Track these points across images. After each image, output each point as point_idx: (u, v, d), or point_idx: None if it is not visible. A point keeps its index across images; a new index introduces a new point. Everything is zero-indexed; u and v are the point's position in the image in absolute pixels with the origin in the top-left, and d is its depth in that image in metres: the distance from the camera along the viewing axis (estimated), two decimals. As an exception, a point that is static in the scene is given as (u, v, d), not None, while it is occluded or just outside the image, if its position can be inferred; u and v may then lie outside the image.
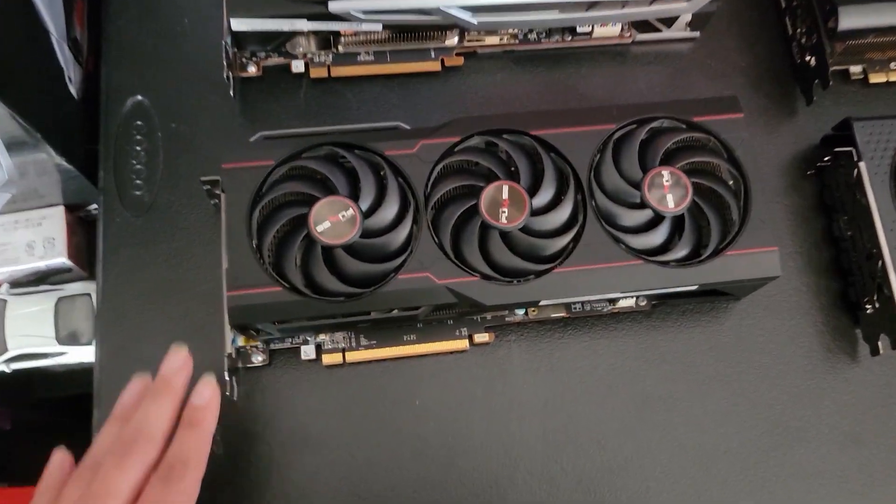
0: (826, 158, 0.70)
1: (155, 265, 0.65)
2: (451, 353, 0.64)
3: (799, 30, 0.73)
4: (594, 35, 0.72)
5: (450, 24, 0.68)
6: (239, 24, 0.64)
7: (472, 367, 0.65)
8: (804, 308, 0.70)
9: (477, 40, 0.73)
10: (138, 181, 0.68)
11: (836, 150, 0.68)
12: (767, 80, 0.75)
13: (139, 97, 0.70)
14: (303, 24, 0.65)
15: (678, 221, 0.61)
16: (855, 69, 0.74)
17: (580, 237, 0.60)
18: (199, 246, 0.66)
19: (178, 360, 0.53)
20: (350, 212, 0.57)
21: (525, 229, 0.60)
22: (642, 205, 0.60)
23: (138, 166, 0.68)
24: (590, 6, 0.65)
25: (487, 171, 0.61)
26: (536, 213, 0.60)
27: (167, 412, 0.50)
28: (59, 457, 0.51)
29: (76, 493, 0.46)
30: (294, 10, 0.63)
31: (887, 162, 0.64)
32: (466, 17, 0.65)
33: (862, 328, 0.67)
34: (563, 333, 0.66)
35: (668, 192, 0.59)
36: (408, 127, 0.64)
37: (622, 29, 0.72)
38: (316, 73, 0.72)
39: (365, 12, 0.63)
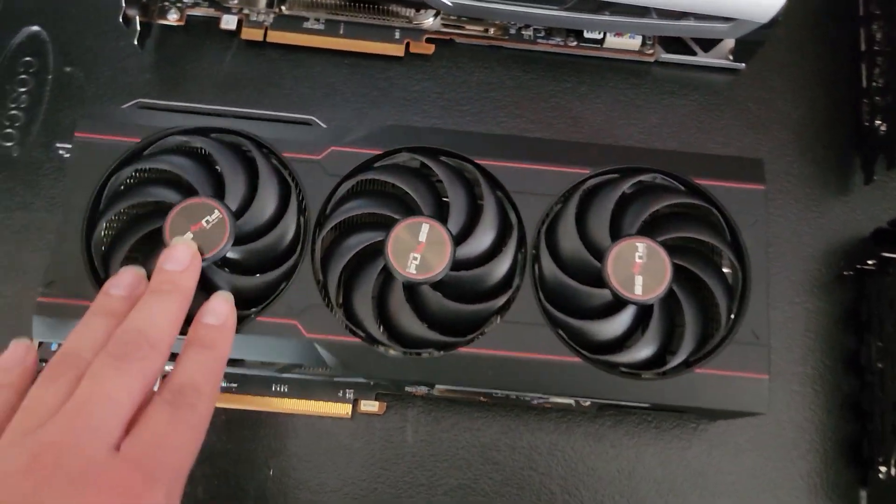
0: (871, 262, 0.58)
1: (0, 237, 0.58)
2: (331, 417, 0.55)
3: (875, 83, 0.60)
4: (606, 44, 0.62)
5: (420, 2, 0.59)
6: None
7: (355, 439, 0.55)
8: (800, 450, 0.56)
9: (455, 26, 0.61)
10: (9, 129, 0.60)
11: (887, 254, 0.56)
12: (820, 139, 0.62)
13: (35, 27, 0.63)
14: None
15: (644, 312, 0.50)
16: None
17: (508, 308, 0.49)
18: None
19: (185, 254, 0.45)
20: (216, 215, 0.48)
21: (439, 286, 0.49)
22: (600, 282, 0.49)
23: (14, 111, 0.61)
24: (602, 6, 0.56)
25: (409, 201, 0.52)
26: (459, 266, 0.49)
27: (173, 318, 0.43)
28: (23, 346, 0.43)
29: (53, 394, 0.39)
30: None
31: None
32: None
33: (869, 494, 0.54)
34: (476, 417, 0.56)
35: (639, 273, 0.49)
36: (323, 125, 0.54)
37: (644, 42, 0.62)
38: (249, 34, 0.61)
39: None
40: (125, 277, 0.45)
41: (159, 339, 0.41)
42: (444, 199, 0.51)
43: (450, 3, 0.56)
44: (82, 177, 0.50)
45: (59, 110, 0.61)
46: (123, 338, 0.40)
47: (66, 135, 0.60)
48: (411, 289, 0.49)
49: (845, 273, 0.60)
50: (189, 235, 0.47)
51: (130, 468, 0.36)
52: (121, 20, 0.57)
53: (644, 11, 0.55)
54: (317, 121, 0.54)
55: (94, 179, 0.50)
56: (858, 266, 0.59)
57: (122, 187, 0.51)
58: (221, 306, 0.45)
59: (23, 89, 0.61)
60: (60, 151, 0.53)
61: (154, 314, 0.42)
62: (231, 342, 0.45)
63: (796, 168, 0.61)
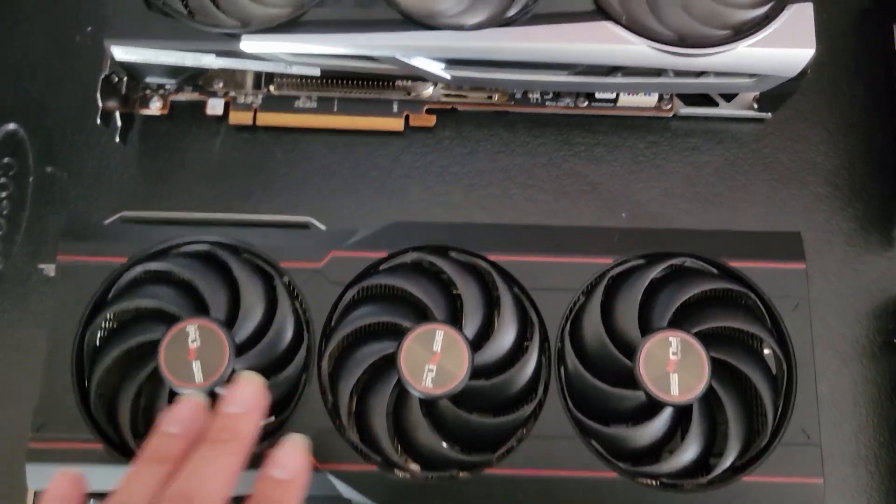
0: None
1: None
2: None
3: None
4: (620, 103, 0.59)
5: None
6: (124, 54, 0.54)
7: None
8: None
9: (457, 94, 0.59)
10: (-9, 239, 0.59)
11: None
12: (859, 191, 0.60)
13: (12, 126, 0.61)
14: (210, 61, 0.55)
15: (682, 413, 0.48)
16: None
17: (534, 419, 0.47)
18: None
19: (247, 393, 0.42)
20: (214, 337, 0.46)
21: (458, 398, 0.46)
22: (632, 382, 0.46)
23: (-4, 219, 0.60)
24: (613, 68, 0.54)
25: (420, 304, 0.49)
26: (478, 374, 0.47)
27: (229, 475, 0.39)
28: (68, 477, 0.41)
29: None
30: (197, 44, 0.53)
31: None
32: (437, 70, 0.54)
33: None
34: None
35: (674, 370, 0.46)
36: (322, 227, 0.52)
37: (661, 98, 0.59)
38: (238, 118, 0.59)
39: (293, 54, 0.53)
40: (182, 411, 0.42)
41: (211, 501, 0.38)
42: (457, 291, 0.49)
43: (448, 77, 0.54)
44: (71, 299, 0.48)
45: (44, 215, 0.59)
46: (170, 498, 0.37)
47: (52, 244, 0.56)
48: (429, 402, 0.47)
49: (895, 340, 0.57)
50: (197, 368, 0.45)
51: None
52: (98, 121, 0.55)
53: (659, 71, 0.54)
54: (315, 222, 0.51)
55: (80, 311, 0.48)
56: None
57: (109, 327, 0.49)
58: (292, 457, 0.41)
59: (3, 194, 0.59)
60: (43, 270, 0.51)
61: (208, 475, 0.39)
62: (301, 500, 0.41)
63: (835, 224, 0.59)
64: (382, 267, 0.49)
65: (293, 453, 0.41)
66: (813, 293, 0.51)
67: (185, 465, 0.38)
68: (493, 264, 0.49)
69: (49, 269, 0.49)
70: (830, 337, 0.57)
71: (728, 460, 0.46)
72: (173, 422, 0.41)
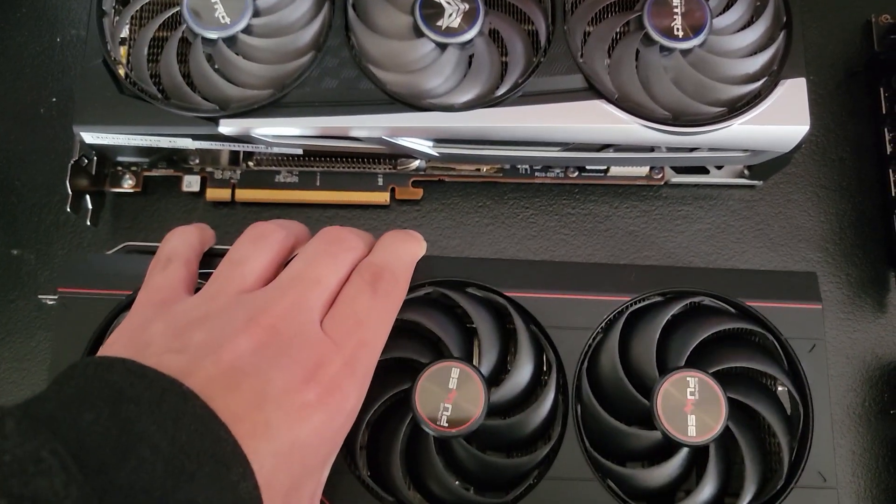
0: None
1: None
2: None
3: None
4: (611, 173, 0.62)
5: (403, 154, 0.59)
6: (95, 139, 0.55)
7: None
8: None
9: (444, 167, 0.61)
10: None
11: None
12: (851, 257, 0.63)
13: None
14: (186, 143, 0.56)
15: (698, 452, 0.49)
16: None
17: (551, 459, 0.48)
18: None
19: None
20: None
21: (474, 437, 0.48)
22: (650, 421, 0.48)
23: (-46, 312, 0.59)
24: (605, 145, 0.56)
25: (435, 339, 0.50)
26: (494, 411, 0.48)
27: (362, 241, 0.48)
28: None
29: (259, 255, 0.45)
30: (173, 128, 0.54)
31: None
32: (425, 148, 0.56)
33: None
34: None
35: (692, 411, 0.48)
36: None
37: (652, 168, 0.62)
38: (215, 194, 0.61)
39: (274, 136, 0.55)
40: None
41: (363, 236, 0.47)
42: (472, 326, 0.50)
43: (436, 154, 0.56)
44: (71, 332, 0.49)
45: (12, 300, 0.59)
46: (332, 232, 0.46)
47: (22, 331, 0.59)
48: (443, 442, 0.48)
49: (892, 412, 0.60)
50: None
51: (331, 344, 0.41)
52: (68, 209, 0.56)
53: (652, 146, 0.56)
54: None
55: (81, 345, 0.48)
56: None
57: None
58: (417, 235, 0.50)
59: (-36, 282, 0.59)
60: (44, 300, 0.52)
61: (344, 232, 0.47)
62: (422, 247, 0.50)
63: (827, 290, 0.62)
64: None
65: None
66: None
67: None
68: (509, 300, 0.50)
69: (49, 299, 0.50)
70: (836, 400, 0.59)
71: (744, 501, 0.48)
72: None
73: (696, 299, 0.51)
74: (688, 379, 0.48)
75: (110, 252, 0.52)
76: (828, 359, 0.50)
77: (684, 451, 0.48)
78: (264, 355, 0.39)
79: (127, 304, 0.49)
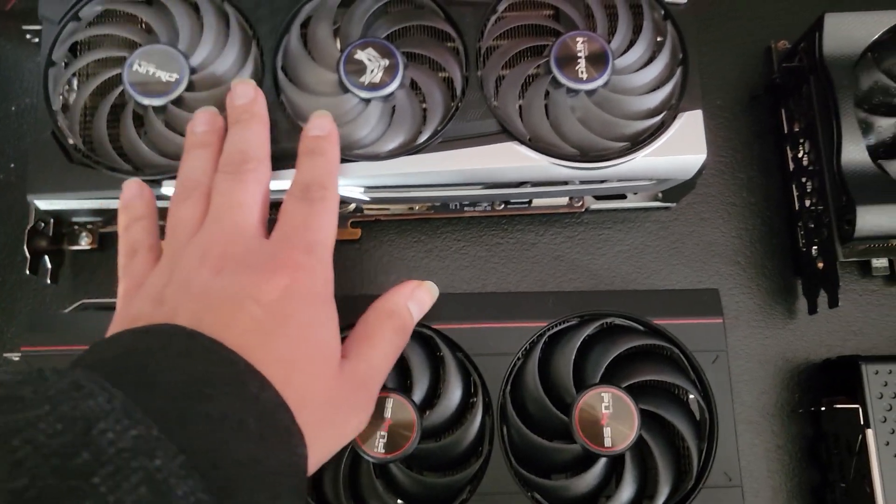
0: (821, 406, 0.63)
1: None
2: None
3: (809, 204, 0.65)
4: (534, 204, 0.66)
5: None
6: (48, 205, 0.59)
7: None
8: None
9: (379, 207, 0.65)
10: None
11: (837, 405, 0.60)
12: (761, 269, 0.68)
13: None
14: None
15: (616, 461, 0.54)
16: (879, 263, 0.66)
17: (481, 476, 0.53)
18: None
19: (248, 88, 0.54)
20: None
21: (410, 461, 0.53)
22: (570, 437, 0.53)
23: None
24: (522, 182, 0.60)
25: None
26: (428, 435, 0.53)
27: (263, 137, 0.53)
28: (135, 183, 0.54)
29: (190, 211, 0.50)
30: (119, 191, 0.56)
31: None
32: (356, 194, 0.60)
33: None
34: None
35: (607, 423, 0.52)
36: None
37: (571, 197, 0.66)
38: None
39: None
40: (204, 115, 0.54)
41: (260, 153, 0.51)
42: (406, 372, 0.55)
43: (368, 199, 0.60)
44: None
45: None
46: (231, 158, 0.51)
47: None
48: (382, 466, 0.53)
49: (800, 410, 0.65)
50: None
51: (285, 245, 0.47)
52: (28, 271, 0.59)
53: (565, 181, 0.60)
54: None
55: None
56: (812, 409, 0.64)
57: None
58: (323, 121, 0.54)
59: (-70, 341, 0.62)
60: (8, 358, 0.55)
61: (247, 136, 0.52)
62: (338, 150, 0.53)
63: (741, 301, 0.67)
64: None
65: (324, 119, 0.54)
66: None
67: (227, 139, 0.53)
68: (436, 332, 0.55)
69: (14, 356, 0.54)
70: (742, 410, 0.64)
71: (658, 503, 0.53)
72: (199, 122, 0.54)
73: (609, 320, 0.56)
74: (602, 394, 0.53)
75: (67, 310, 0.57)
76: (730, 367, 0.55)
77: (602, 461, 0.53)
78: (227, 272, 0.45)
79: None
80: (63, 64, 0.60)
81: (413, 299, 0.53)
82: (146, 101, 0.57)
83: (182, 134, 0.56)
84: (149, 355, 0.39)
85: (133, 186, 0.54)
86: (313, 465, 0.43)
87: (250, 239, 0.47)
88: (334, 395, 0.45)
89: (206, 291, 0.44)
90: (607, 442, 0.52)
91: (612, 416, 0.52)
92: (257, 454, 0.37)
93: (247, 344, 0.41)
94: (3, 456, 0.29)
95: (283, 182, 0.54)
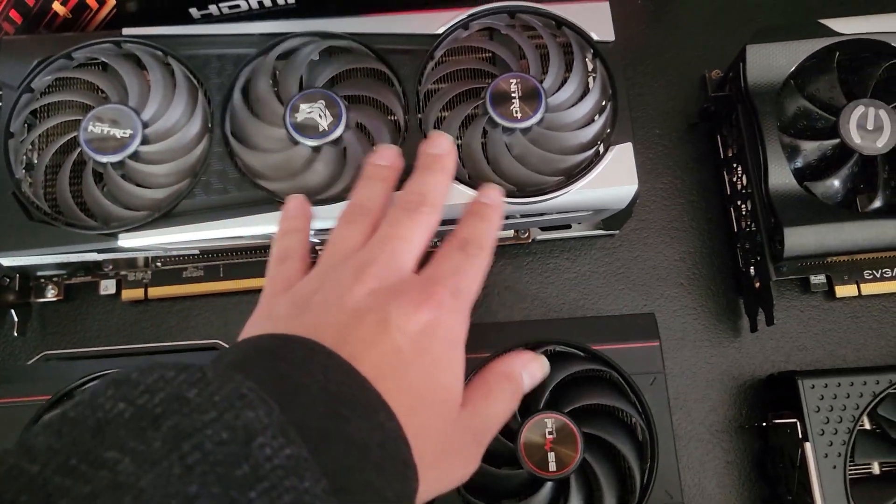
0: (765, 422, 0.65)
1: None
2: None
3: (745, 226, 0.68)
4: None
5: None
6: (11, 262, 0.61)
7: None
8: None
9: None
10: None
11: (777, 420, 0.63)
12: (705, 289, 0.71)
13: None
14: (94, 257, 0.63)
15: (563, 486, 0.56)
16: (817, 279, 0.69)
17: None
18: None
19: (446, 142, 0.55)
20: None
21: None
22: (518, 462, 0.54)
23: None
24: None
25: None
26: None
27: (445, 188, 0.54)
28: (299, 199, 0.58)
29: (353, 234, 0.51)
30: (79, 245, 0.60)
31: (842, 442, 0.59)
32: (311, 237, 0.60)
33: None
34: None
35: (551, 448, 0.54)
36: (227, 346, 0.61)
37: (516, 230, 0.69)
38: (130, 294, 0.68)
39: (170, 244, 0.61)
40: (388, 153, 0.56)
41: (437, 200, 0.52)
42: None
43: (318, 241, 0.62)
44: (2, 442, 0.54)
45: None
46: (410, 196, 0.52)
47: None
48: None
49: (746, 426, 0.67)
50: None
51: (434, 283, 0.48)
52: None
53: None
54: (222, 343, 0.60)
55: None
56: (756, 424, 0.66)
57: None
58: (495, 195, 0.55)
59: None
60: None
61: (429, 182, 0.53)
62: (500, 222, 0.54)
63: (686, 321, 0.69)
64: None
65: (495, 192, 0.56)
66: (671, 388, 0.60)
67: (411, 180, 0.54)
68: None
69: None
70: (692, 427, 0.66)
71: None
72: (381, 158, 0.56)
73: (551, 347, 0.58)
74: (546, 420, 0.55)
75: (30, 362, 0.59)
76: (668, 388, 0.57)
77: (549, 485, 0.55)
78: (379, 296, 0.46)
79: (48, 407, 0.55)
80: (25, 129, 0.63)
81: (527, 369, 0.54)
82: (104, 160, 0.59)
83: (141, 185, 0.59)
84: (293, 366, 0.40)
85: (296, 201, 0.57)
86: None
87: (406, 271, 0.49)
88: (448, 440, 0.46)
89: (355, 308, 0.45)
90: (552, 466, 0.54)
91: (556, 440, 0.54)
92: (376, 482, 0.39)
93: (381, 369, 0.42)
94: (178, 460, 0.29)
95: (229, 231, 0.58)
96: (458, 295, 0.48)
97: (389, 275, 0.47)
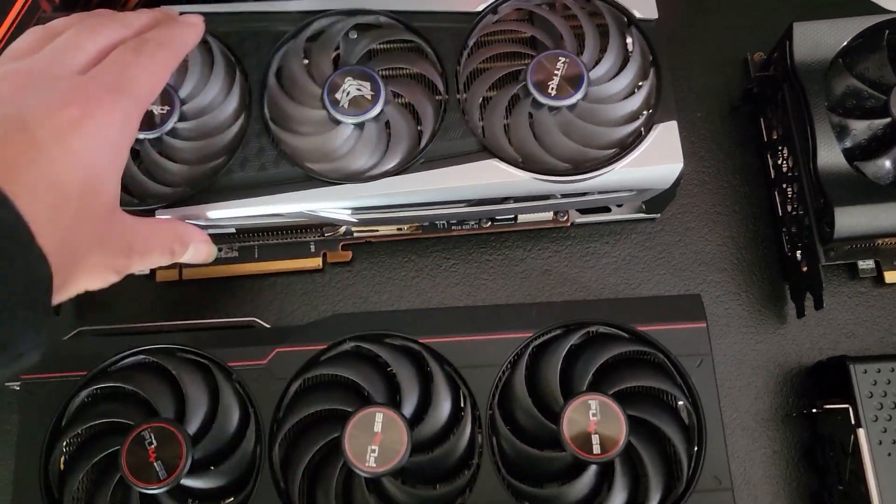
0: (815, 409, 0.64)
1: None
2: None
3: (791, 210, 0.67)
4: (520, 220, 0.68)
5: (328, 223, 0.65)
6: None
7: None
8: None
9: (369, 230, 0.68)
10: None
11: (827, 406, 0.61)
12: (749, 275, 0.70)
13: None
14: None
15: (606, 468, 0.55)
16: (865, 265, 0.68)
17: (472, 487, 0.54)
18: None
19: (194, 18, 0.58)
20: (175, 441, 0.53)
21: (402, 475, 0.55)
22: (560, 445, 0.54)
23: None
24: (505, 197, 0.62)
25: (360, 390, 0.57)
26: (419, 448, 0.54)
27: (144, 16, 0.55)
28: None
29: (30, 41, 0.51)
30: None
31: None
32: (344, 216, 0.62)
33: None
34: None
35: (595, 431, 0.53)
36: (266, 325, 0.61)
37: (556, 212, 0.69)
38: (164, 275, 0.68)
39: (207, 221, 0.61)
40: (194, 18, 0.58)
41: (129, 21, 0.53)
42: (393, 372, 0.56)
43: (355, 220, 0.62)
44: (35, 418, 0.54)
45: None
46: (99, 18, 0.53)
47: None
48: (375, 481, 0.54)
49: (794, 414, 0.66)
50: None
51: (93, 83, 0.48)
52: None
53: (546, 196, 0.62)
54: (259, 321, 0.60)
55: (43, 432, 0.54)
56: (805, 411, 0.65)
57: (69, 451, 0.55)
58: (196, 19, 0.57)
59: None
60: (10, 386, 0.57)
61: (124, 15, 0.54)
62: (195, 41, 0.56)
63: (730, 308, 0.68)
64: (323, 358, 0.57)
65: (197, 18, 0.57)
66: (718, 375, 0.59)
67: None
68: (424, 346, 0.56)
69: (14, 386, 0.56)
70: (737, 416, 0.65)
71: None
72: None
73: (593, 328, 0.58)
74: (589, 402, 0.54)
75: (66, 338, 0.59)
76: (716, 371, 0.56)
77: (593, 469, 0.54)
78: (20, 91, 0.46)
79: (84, 384, 0.55)
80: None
81: (198, 247, 0.58)
82: (141, 136, 0.60)
83: (178, 162, 0.59)
84: None
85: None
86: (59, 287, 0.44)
87: (63, 70, 0.49)
88: (94, 235, 0.47)
89: None
90: (596, 449, 0.53)
91: (601, 423, 0.53)
92: None
93: (14, 161, 0.42)
94: None
95: (266, 208, 0.57)
96: (118, 92, 0.48)
97: (41, 74, 0.48)
